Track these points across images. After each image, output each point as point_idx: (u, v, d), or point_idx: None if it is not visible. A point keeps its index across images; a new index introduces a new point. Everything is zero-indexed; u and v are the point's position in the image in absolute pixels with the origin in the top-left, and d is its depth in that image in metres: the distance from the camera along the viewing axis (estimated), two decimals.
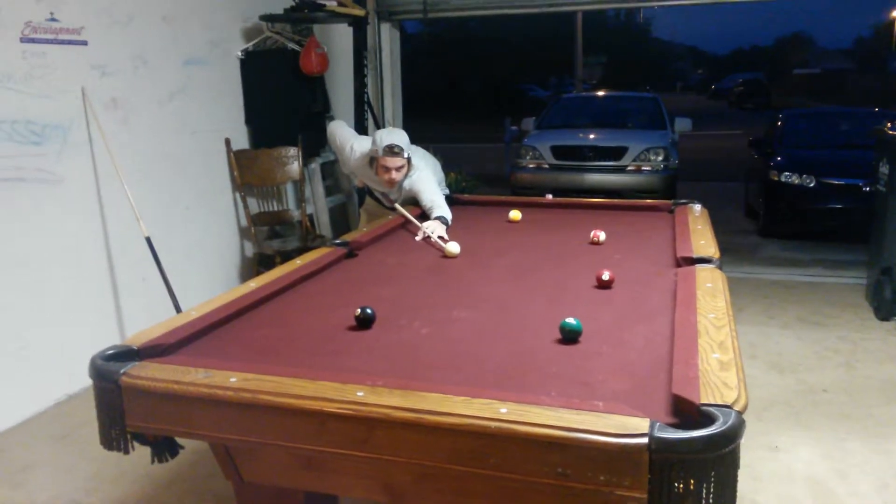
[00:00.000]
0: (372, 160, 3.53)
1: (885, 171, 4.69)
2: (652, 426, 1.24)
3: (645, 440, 1.22)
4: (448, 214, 3.32)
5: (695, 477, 1.21)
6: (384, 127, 6.43)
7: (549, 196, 3.26)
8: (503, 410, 1.31)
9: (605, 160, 7.95)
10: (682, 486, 1.21)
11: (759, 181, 7.66)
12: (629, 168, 7.90)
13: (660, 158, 7.89)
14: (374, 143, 3.50)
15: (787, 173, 7.05)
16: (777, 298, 5.23)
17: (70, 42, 3.70)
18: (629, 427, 1.25)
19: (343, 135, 3.89)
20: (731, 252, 6.48)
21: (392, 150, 3.39)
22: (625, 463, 1.23)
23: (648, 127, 8.76)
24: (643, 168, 7.88)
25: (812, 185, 6.92)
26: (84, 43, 3.78)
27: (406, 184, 3.58)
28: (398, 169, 3.45)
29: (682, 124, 8.96)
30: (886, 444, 3.12)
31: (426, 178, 3.59)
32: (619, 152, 7.94)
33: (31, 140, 3.52)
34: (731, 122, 23.32)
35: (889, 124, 4.78)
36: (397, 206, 3.56)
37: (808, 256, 6.54)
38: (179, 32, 4.49)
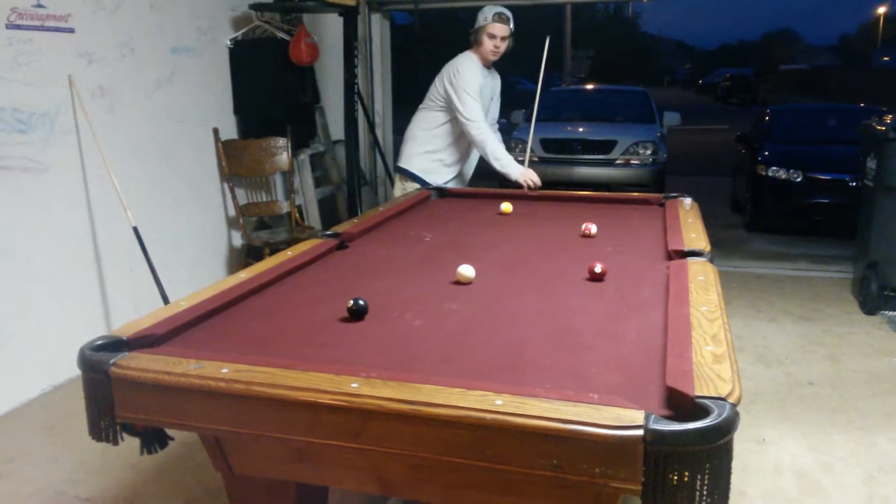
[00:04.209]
0: (476, 38, 3.85)
1: (872, 166, 4.73)
2: (647, 418, 1.23)
3: (640, 432, 1.21)
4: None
5: (689, 469, 1.21)
6: (374, 118, 6.41)
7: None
8: (499, 402, 1.30)
9: (594, 153, 7.97)
10: (676, 478, 1.21)
11: (746, 176, 7.70)
12: (618, 161, 7.92)
13: (648, 152, 7.92)
14: (480, 16, 3.83)
15: (775, 168, 7.10)
16: (764, 292, 5.26)
17: (56, 29, 3.65)
18: (624, 419, 1.24)
19: (476, 121, 3.92)
20: (718, 246, 6.51)
21: (501, 17, 3.74)
22: (620, 455, 1.23)
23: (637, 121, 8.78)
24: (632, 162, 7.91)
25: (799, 179, 6.96)
26: (71, 30, 3.73)
27: (497, 87, 4.15)
28: (503, 38, 3.80)
29: (671, 118, 8.99)
30: (871, 437, 3.15)
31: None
32: (608, 146, 7.95)
33: (17, 128, 3.47)
34: (717, 117, 23.44)
35: (876, 119, 4.81)
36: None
37: (795, 250, 6.59)
38: (167, 20, 4.44)
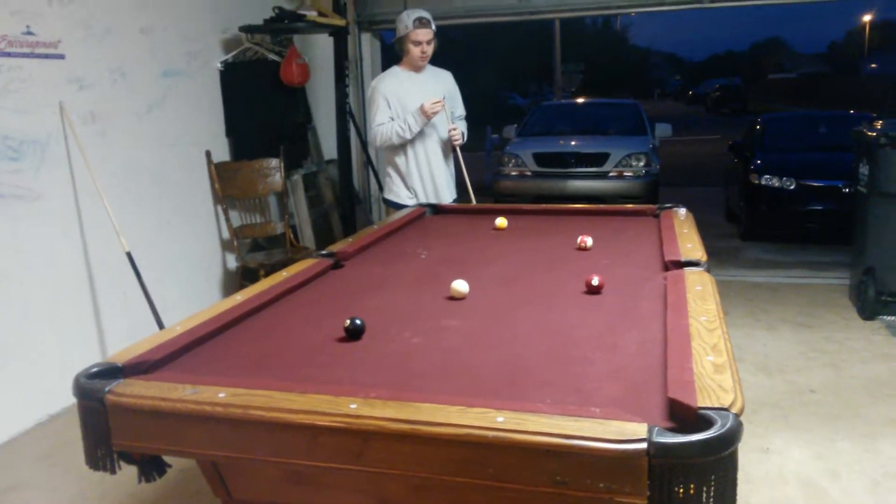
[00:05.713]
0: (402, 48, 3.83)
1: (864, 172, 4.74)
2: (650, 431, 1.22)
3: (644, 445, 1.20)
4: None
5: (695, 481, 1.19)
6: (366, 136, 6.42)
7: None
8: (500, 419, 1.29)
9: (587, 166, 7.99)
10: (682, 490, 1.20)
11: (740, 185, 7.72)
12: (611, 174, 7.94)
13: (641, 164, 7.94)
14: (400, 25, 3.79)
15: (768, 176, 7.12)
16: (761, 300, 5.26)
17: (47, 56, 3.65)
18: (627, 433, 1.23)
19: (375, 126, 3.94)
20: (714, 255, 6.49)
21: (421, 22, 3.71)
22: (624, 469, 1.21)
23: (629, 133, 8.81)
24: (625, 174, 7.93)
25: (792, 187, 6.98)
26: (61, 56, 3.73)
27: (449, 84, 4.05)
28: (429, 42, 3.77)
29: (663, 130, 9.03)
30: (875, 443, 3.14)
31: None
32: (601, 158, 7.98)
33: (8, 156, 3.46)
34: (708, 127, 23.55)
35: (867, 125, 4.83)
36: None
37: (791, 258, 6.60)
38: (157, 44, 4.45)
